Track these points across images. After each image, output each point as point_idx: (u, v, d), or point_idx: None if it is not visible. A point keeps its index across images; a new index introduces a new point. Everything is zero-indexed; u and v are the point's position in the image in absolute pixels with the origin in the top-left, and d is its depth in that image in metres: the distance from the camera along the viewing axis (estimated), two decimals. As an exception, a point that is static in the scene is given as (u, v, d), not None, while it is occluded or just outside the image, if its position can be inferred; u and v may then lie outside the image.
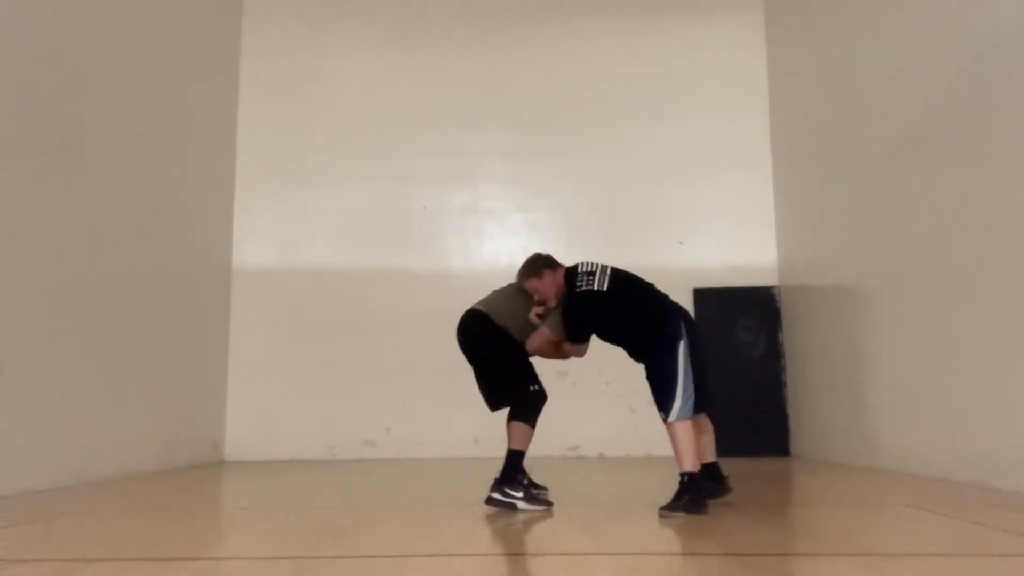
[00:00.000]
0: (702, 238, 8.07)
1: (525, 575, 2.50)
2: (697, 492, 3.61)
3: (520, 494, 3.76)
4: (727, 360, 7.76)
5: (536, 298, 4.08)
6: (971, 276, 4.71)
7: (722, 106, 8.24)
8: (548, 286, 4.04)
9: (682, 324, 3.80)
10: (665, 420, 3.65)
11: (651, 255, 8.01)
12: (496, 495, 3.75)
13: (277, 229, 8.31)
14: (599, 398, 7.48)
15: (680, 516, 3.50)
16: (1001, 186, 4.42)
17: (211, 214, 7.89)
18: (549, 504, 3.84)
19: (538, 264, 4.13)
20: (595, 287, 3.92)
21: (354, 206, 8.30)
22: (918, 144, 5.35)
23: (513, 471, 3.79)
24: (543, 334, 4.03)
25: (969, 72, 4.77)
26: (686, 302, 7.84)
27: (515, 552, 2.92)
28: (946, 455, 4.91)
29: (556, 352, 4.14)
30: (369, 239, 8.25)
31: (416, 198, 8.30)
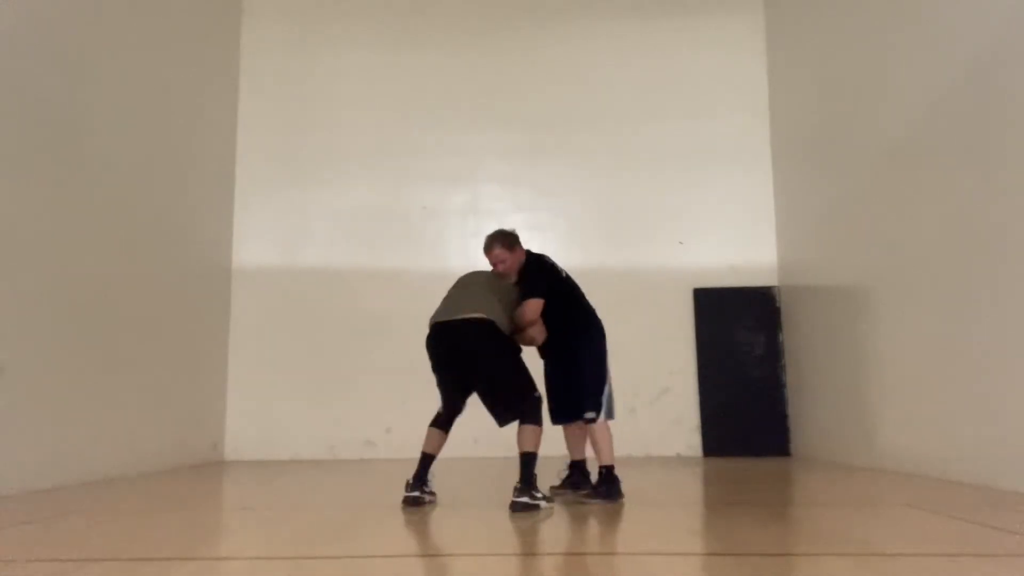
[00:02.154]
0: (702, 238, 8.07)
1: (525, 575, 2.50)
2: (616, 483, 4.00)
3: (541, 495, 3.77)
4: (727, 360, 7.77)
5: (499, 268, 4.20)
6: (971, 276, 4.71)
7: (722, 106, 8.25)
8: (515, 260, 4.23)
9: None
10: (594, 420, 4.05)
11: (651, 255, 8.04)
12: (524, 499, 3.69)
13: (277, 229, 8.31)
14: (599, 398, 7.48)
15: (599, 503, 3.92)
16: (1000, 186, 4.42)
17: (211, 214, 7.89)
18: (552, 500, 3.94)
19: (511, 237, 4.29)
20: (557, 267, 4.31)
21: (354, 206, 8.30)
22: (918, 144, 5.35)
23: (533, 473, 3.78)
24: (532, 304, 4.04)
25: (969, 72, 4.77)
26: (686, 302, 7.90)
27: (515, 552, 2.92)
28: (946, 455, 4.91)
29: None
30: (369, 239, 8.25)
31: (416, 198, 8.31)
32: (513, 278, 4.21)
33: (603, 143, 8.27)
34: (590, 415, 4.04)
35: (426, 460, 4.09)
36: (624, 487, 4.06)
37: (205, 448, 7.45)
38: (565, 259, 4.73)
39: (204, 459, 7.35)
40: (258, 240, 8.26)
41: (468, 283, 4.21)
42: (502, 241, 4.23)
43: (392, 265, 8.16)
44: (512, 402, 3.90)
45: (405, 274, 8.10)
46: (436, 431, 4.16)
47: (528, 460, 3.77)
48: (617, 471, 4.05)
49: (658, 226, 8.11)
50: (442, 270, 8.11)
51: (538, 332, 4.13)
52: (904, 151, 5.54)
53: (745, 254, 8.03)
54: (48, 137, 5.21)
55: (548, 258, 4.34)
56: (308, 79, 8.55)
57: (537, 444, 3.80)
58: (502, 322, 3.95)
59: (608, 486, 4.00)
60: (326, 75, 8.55)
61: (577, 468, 4.40)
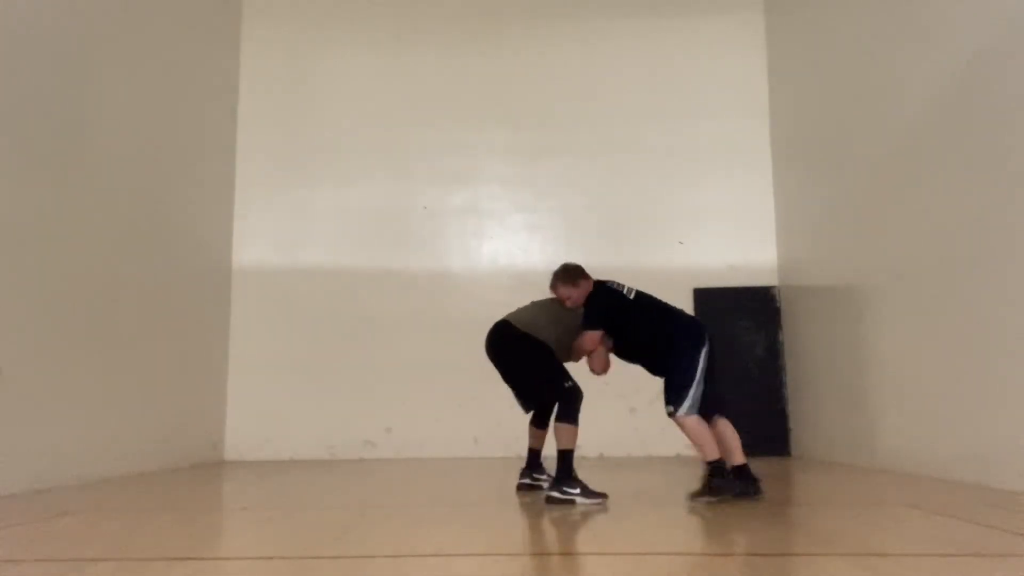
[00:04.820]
0: (702, 238, 8.06)
1: (524, 575, 2.50)
2: (723, 477, 3.99)
3: (577, 490, 3.90)
4: (727, 360, 7.72)
5: (568, 304, 4.33)
6: (971, 276, 4.70)
7: (722, 106, 8.24)
8: (582, 293, 4.31)
9: (706, 336, 4.17)
10: (673, 413, 4.02)
11: (651, 255, 8.03)
12: (555, 493, 3.93)
13: (277, 229, 8.31)
14: (599, 398, 7.39)
15: (706, 500, 3.90)
16: (1000, 186, 4.42)
17: (211, 214, 7.89)
18: (604, 496, 3.97)
19: (574, 273, 4.39)
20: (623, 291, 4.33)
21: (354, 206, 8.30)
22: (918, 144, 5.35)
23: (568, 469, 3.97)
24: (588, 336, 4.24)
25: (968, 72, 4.76)
26: (686, 302, 7.88)
27: (515, 552, 2.92)
28: (946, 455, 4.90)
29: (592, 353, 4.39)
30: (369, 239, 8.25)
31: (416, 198, 8.30)
32: (581, 309, 4.37)
33: (603, 143, 8.26)
34: (669, 408, 4.07)
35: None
36: (624, 487, 4.08)
37: (205, 448, 7.44)
38: (565, 259, 4.73)
39: (204, 459, 7.34)
40: (258, 240, 8.26)
41: (538, 299, 4.54)
42: (563, 279, 4.39)
43: (392, 265, 8.15)
44: (532, 390, 4.36)
45: (405, 274, 8.10)
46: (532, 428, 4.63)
47: (560, 456, 4.01)
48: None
49: (658, 226, 8.10)
50: (442, 270, 8.16)
51: (596, 362, 4.36)
52: (904, 151, 5.54)
53: (745, 254, 8.02)
54: (48, 137, 5.20)
55: (612, 287, 4.36)
56: (308, 79, 8.55)
57: (569, 442, 4.07)
58: (543, 331, 4.25)
59: (712, 482, 4.00)
60: (326, 75, 8.55)
61: (715, 468, 4.14)
